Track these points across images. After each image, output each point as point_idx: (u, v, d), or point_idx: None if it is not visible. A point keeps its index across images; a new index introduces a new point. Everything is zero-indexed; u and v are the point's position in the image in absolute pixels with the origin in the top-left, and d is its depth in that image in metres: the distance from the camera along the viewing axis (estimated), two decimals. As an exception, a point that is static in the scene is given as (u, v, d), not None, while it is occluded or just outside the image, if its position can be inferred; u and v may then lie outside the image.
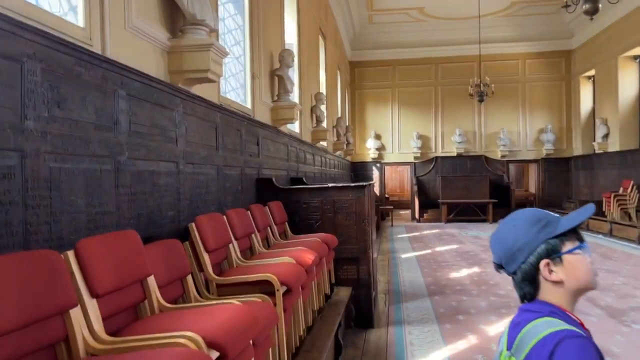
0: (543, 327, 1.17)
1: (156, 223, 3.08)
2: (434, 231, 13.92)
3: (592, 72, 15.82)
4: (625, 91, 13.76)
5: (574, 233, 1.31)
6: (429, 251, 10.25)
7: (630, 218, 11.90)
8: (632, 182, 12.13)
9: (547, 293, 1.29)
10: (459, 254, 9.82)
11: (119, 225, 2.65)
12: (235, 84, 5.44)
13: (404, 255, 9.73)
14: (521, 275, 1.32)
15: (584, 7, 7.15)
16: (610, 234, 12.09)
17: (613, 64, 14.02)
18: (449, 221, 15.98)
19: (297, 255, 3.40)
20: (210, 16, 3.43)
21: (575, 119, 16.87)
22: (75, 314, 1.65)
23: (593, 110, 16.16)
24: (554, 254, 1.28)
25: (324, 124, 9.99)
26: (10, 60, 1.92)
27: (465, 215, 16.10)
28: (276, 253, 3.69)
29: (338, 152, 13.59)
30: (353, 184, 5.17)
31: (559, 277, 1.27)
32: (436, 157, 17.69)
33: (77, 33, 2.42)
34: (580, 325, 1.24)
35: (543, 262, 1.28)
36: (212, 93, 4.27)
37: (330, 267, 4.76)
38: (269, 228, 4.48)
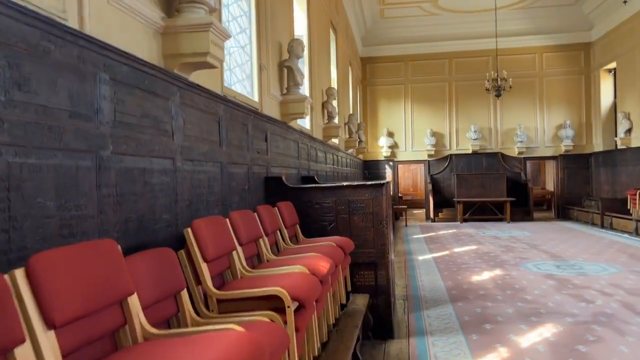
0: None
1: (148, 229, 2.68)
2: (450, 231, 13.43)
3: (613, 65, 15.20)
4: (649, 84, 13.16)
5: None
6: (446, 252, 9.78)
7: (657, 216, 11.34)
8: (658, 179, 11.55)
9: None
10: (478, 255, 9.34)
11: (102, 231, 2.26)
12: (241, 75, 5.04)
13: (420, 257, 9.28)
14: None
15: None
16: (636, 232, 11.54)
17: (636, 55, 13.41)
18: (465, 220, 15.49)
19: (310, 264, 2.99)
20: (210, -7, 3.03)
21: (596, 114, 16.25)
22: (23, 352, 1.26)
23: (614, 104, 15.53)
24: None
25: (336, 121, 9.57)
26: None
27: (481, 214, 15.61)
28: (287, 260, 3.28)
29: (350, 150, 13.15)
30: (369, 182, 4.74)
31: None
32: (451, 155, 17.17)
33: (45, 2, 2.02)
34: None
35: None
36: (214, 83, 3.88)
37: (347, 274, 4.34)
38: (278, 231, 4.06)
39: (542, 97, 16.82)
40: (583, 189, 16.51)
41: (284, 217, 4.22)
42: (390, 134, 17.52)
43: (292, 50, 5.93)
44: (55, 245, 1.87)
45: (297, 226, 4.60)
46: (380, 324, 4.70)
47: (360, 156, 16.30)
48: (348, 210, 4.75)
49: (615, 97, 15.46)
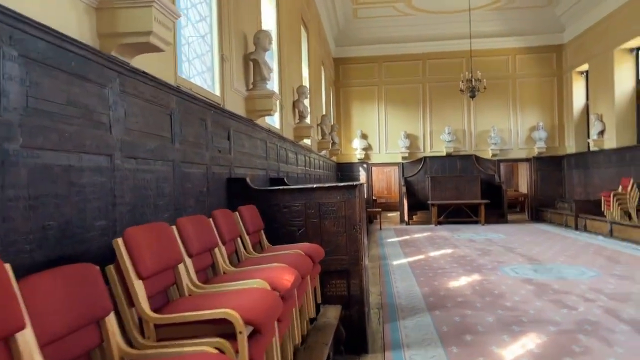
0: None
1: (75, 238, 2.24)
2: (424, 234, 13.17)
3: (585, 67, 15.22)
4: (622, 85, 13.16)
5: None
6: (422, 257, 9.47)
7: (630, 217, 11.28)
8: (631, 180, 11.50)
9: None
10: (454, 259, 9.06)
11: (6, 243, 1.81)
12: (201, 68, 4.60)
13: (395, 262, 8.94)
14: None
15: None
16: (610, 234, 11.48)
17: (608, 57, 13.42)
18: (439, 223, 15.29)
19: (272, 277, 2.58)
20: (155, -36, 2.60)
21: (568, 116, 16.28)
22: None
23: (586, 106, 15.57)
24: None
25: (308, 120, 9.17)
26: None
27: (456, 216, 15.44)
28: (246, 273, 2.86)
29: (323, 152, 12.77)
30: (342, 184, 4.36)
31: None
32: (425, 157, 16.98)
33: None
34: None
35: None
36: (165, 72, 3.44)
37: (316, 284, 3.94)
38: (239, 239, 3.63)
39: (515, 99, 16.79)
40: (556, 191, 16.52)
41: (245, 223, 3.80)
42: (364, 136, 17.23)
43: (259, 42, 5.52)
44: None
45: (262, 232, 4.18)
46: (354, 337, 4.31)
47: (334, 158, 15.95)
48: (319, 214, 4.36)
49: (587, 99, 15.49)
